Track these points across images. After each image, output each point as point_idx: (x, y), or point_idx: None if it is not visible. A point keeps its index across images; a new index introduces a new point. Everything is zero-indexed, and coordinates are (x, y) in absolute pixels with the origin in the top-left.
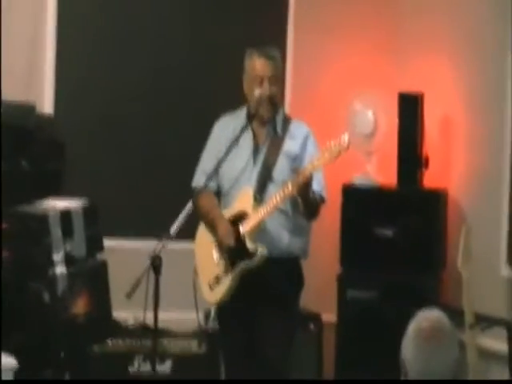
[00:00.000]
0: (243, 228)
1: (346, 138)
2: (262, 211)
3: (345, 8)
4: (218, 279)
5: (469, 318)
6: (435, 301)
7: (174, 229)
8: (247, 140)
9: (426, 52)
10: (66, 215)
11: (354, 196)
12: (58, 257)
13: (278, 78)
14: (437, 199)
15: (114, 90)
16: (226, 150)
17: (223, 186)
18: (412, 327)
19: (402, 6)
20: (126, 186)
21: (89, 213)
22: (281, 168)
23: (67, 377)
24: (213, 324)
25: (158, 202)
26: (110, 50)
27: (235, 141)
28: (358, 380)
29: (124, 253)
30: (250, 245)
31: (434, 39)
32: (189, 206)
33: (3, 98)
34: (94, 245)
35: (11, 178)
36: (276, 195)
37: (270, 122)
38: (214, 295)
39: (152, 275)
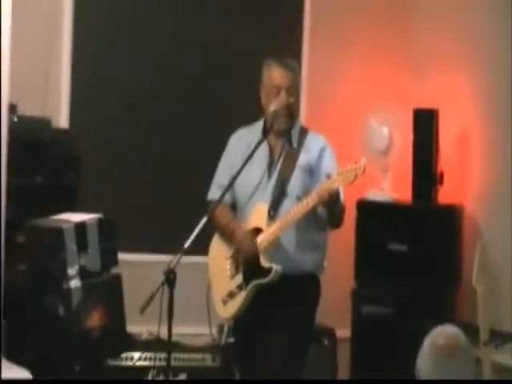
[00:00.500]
0: (259, 244)
1: (363, 162)
2: (276, 228)
3: (360, 23)
4: (231, 294)
5: (484, 335)
6: (450, 317)
7: (188, 243)
8: (263, 153)
9: (442, 67)
10: (81, 229)
11: (368, 211)
12: (72, 270)
13: (297, 89)
14: (452, 215)
15: (130, 104)
16: (242, 164)
17: (238, 200)
18: (428, 343)
19: (417, 21)
20: (141, 199)
21: (104, 226)
22: (295, 182)
23: None
24: (227, 339)
25: (172, 215)
26: (125, 64)
27: (251, 154)
28: None
29: (138, 267)
30: (264, 262)
31: (450, 54)
32: (203, 220)
33: (19, 112)
34: (109, 258)
35: (27, 192)
36: (290, 212)
37: (285, 135)
38: (227, 311)
39: (166, 289)
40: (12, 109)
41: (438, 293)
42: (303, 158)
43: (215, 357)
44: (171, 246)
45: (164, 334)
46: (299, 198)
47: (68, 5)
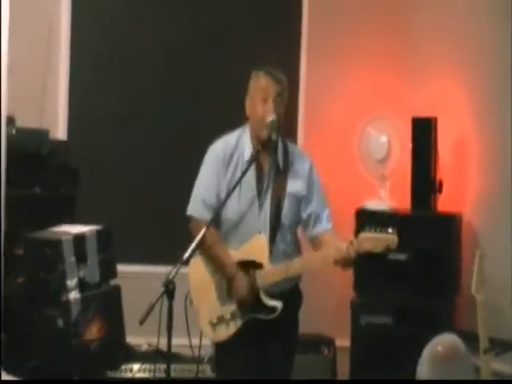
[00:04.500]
0: (259, 281)
1: (394, 234)
2: (281, 274)
3: (358, 32)
4: (223, 320)
5: (483, 343)
6: (449, 325)
7: (187, 254)
8: (250, 174)
9: (439, 76)
10: (79, 240)
11: (367, 220)
12: (71, 282)
13: (283, 101)
14: (451, 223)
15: (128, 116)
16: (228, 183)
17: (224, 221)
18: (427, 352)
19: (414, 31)
20: (140, 210)
21: (102, 238)
22: (287, 212)
23: None
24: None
25: (171, 227)
26: (123, 75)
27: (236, 172)
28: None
29: (137, 278)
30: (266, 300)
31: (447, 63)
32: (202, 231)
33: (17, 124)
34: (108, 270)
35: (25, 204)
36: (299, 262)
37: (272, 153)
38: (216, 335)
39: (165, 300)
40: (10, 121)
41: (437, 301)
42: (293, 186)
43: (214, 368)
44: (170, 257)
45: (163, 345)
46: (291, 228)
47: (65, 17)
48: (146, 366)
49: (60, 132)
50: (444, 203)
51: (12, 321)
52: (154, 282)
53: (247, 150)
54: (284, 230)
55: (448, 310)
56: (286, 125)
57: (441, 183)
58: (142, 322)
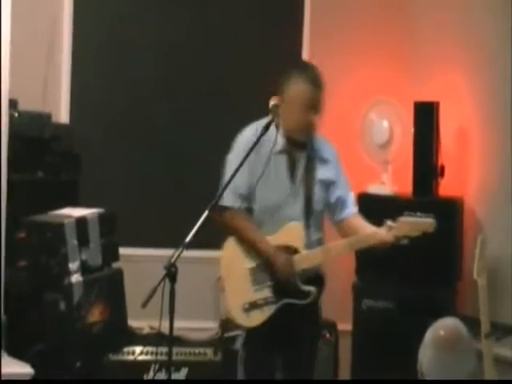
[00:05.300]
0: (296, 266)
1: (433, 224)
2: (318, 257)
3: (359, 20)
4: (255, 305)
5: (485, 327)
6: (451, 310)
7: (189, 237)
8: (282, 164)
9: (442, 62)
10: (82, 223)
11: (369, 205)
12: (73, 265)
13: (322, 106)
14: (452, 208)
15: (130, 99)
16: (261, 173)
17: (258, 210)
18: (429, 336)
19: (417, 17)
20: (142, 194)
21: (105, 221)
22: (318, 198)
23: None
24: (241, 347)
25: (173, 210)
26: (125, 59)
27: (268, 162)
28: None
29: (140, 261)
30: (302, 285)
31: (450, 50)
32: (205, 214)
33: (20, 107)
34: (110, 253)
35: (27, 188)
36: (336, 245)
37: (304, 145)
38: (249, 321)
39: (168, 284)
40: (13, 104)
41: (439, 286)
42: (323, 172)
43: (217, 351)
44: (172, 240)
45: (165, 328)
46: (321, 214)
47: (68, 1)
48: (148, 348)
49: (63, 116)
50: (446, 188)
51: (14, 304)
52: (156, 265)
53: (279, 141)
54: (315, 216)
55: (450, 295)
56: None
57: (442, 168)
58: (144, 305)
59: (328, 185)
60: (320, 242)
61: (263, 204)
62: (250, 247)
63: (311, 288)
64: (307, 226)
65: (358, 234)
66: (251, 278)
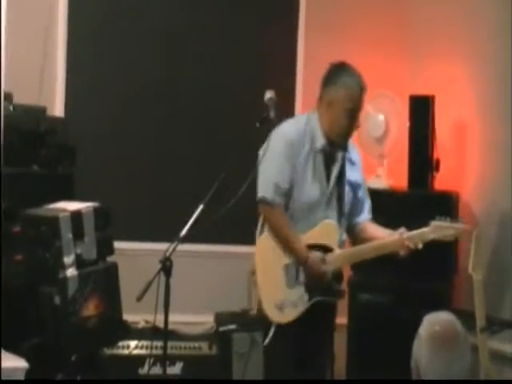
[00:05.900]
0: (330, 265)
1: (464, 224)
2: (351, 257)
3: (356, 12)
4: (288, 302)
5: (480, 321)
6: (447, 304)
7: (184, 231)
8: (320, 164)
9: (439, 55)
10: (76, 217)
11: None
12: (68, 259)
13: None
14: (448, 202)
15: (125, 93)
16: (299, 168)
17: (295, 208)
18: (423, 330)
19: (414, 9)
20: (137, 188)
21: (100, 215)
22: (347, 200)
23: (78, 379)
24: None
25: (168, 204)
26: (120, 53)
27: (308, 160)
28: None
29: (135, 255)
30: (335, 284)
31: (448, 42)
32: (200, 207)
33: (15, 100)
34: (105, 247)
35: (22, 182)
36: (369, 246)
37: (344, 147)
38: (284, 317)
39: (163, 277)
40: (8, 97)
41: (435, 280)
42: (352, 175)
43: (212, 345)
44: (168, 234)
45: (160, 322)
46: (347, 215)
47: None
48: (143, 342)
49: (58, 109)
50: (442, 182)
51: (9, 298)
52: (151, 258)
53: (319, 140)
54: (344, 217)
55: (446, 289)
56: (284, 105)
57: (438, 162)
58: (139, 299)
59: (355, 187)
60: (344, 243)
61: (300, 201)
62: (285, 245)
63: (343, 287)
64: (339, 226)
65: (384, 240)
66: (285, 274)
